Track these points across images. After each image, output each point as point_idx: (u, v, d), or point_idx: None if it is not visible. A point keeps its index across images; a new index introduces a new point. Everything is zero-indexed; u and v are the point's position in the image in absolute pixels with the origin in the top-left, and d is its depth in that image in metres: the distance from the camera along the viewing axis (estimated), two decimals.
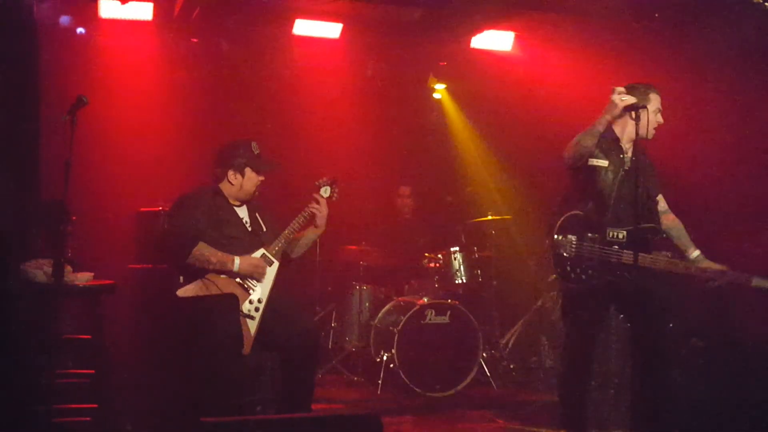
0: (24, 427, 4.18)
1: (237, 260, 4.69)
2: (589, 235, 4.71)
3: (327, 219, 4.96)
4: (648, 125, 4.66)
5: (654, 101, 4.73)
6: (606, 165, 4.77)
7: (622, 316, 5.04)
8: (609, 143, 4.78)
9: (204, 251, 4.64)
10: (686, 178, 6.27)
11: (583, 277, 4.66)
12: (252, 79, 7.75)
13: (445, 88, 8.50)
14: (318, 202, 4.92)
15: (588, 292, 4.69)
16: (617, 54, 6.86)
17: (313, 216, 4.92)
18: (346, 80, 7.87)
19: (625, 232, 4.63)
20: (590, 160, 4.77)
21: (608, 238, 4.68)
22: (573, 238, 4.71)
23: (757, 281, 4.54)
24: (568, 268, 4.69)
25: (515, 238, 8.11)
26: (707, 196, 6.41)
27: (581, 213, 4.75)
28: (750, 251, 5.70)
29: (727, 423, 4.82)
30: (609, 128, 4.77)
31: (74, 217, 4.68)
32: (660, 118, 4.75)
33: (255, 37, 7.48)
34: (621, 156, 4.79)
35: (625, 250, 4.58)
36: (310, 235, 5.04)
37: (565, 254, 4.70)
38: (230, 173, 4.86)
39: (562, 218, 4.75)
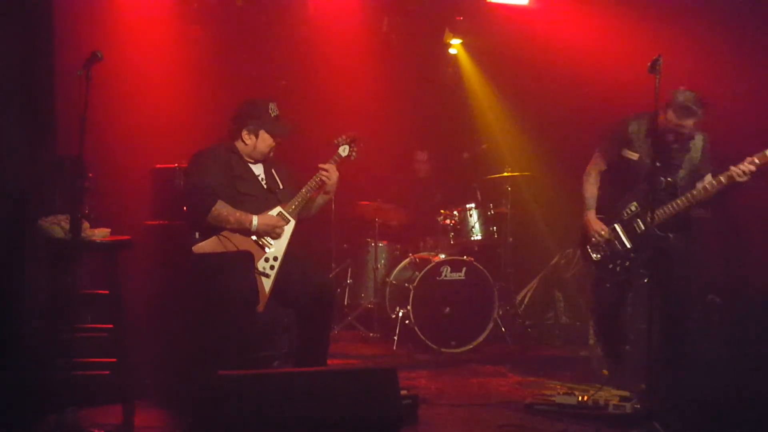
0: (45, 380, 4.24)
1: (255, 219, 4.67)
2: (616, 227, 4.90)
3: (337, 184, 4.88)
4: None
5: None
6: (636, 158, 4.77)
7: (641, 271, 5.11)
8: (645, 133, 4.80)
9: (222, 210, 4.63)
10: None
11: (628, 263, 4.90)
12: (267, 35, 7.68)
13: (461, 43, 8.40)
14: (327, 170, 4.82)
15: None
16: (637, 7, 6.73)
17: (323, 183, 4.85)
18: (361, 35, 7.79)
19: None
20: (622, 150, 4.81)
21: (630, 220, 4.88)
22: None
23: None
24: (610, 266, 4.93)
25: (531, 195, 8.08)
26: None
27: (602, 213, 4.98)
28: None
29: (744, 379, 4.81)
30: (651, 118, 4.75)
31: (91, 174, 4.67)
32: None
33: None
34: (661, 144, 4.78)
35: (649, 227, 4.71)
36: (320, 200, 4.99)
37: (599, 255, 4.93)
38: (244, 133, 4.82)
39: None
